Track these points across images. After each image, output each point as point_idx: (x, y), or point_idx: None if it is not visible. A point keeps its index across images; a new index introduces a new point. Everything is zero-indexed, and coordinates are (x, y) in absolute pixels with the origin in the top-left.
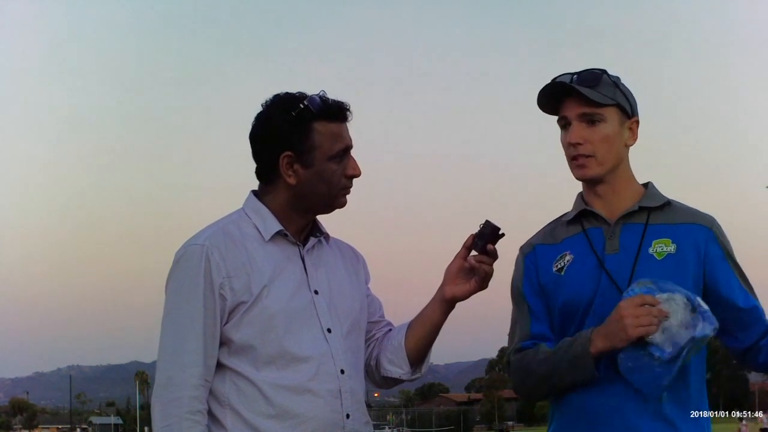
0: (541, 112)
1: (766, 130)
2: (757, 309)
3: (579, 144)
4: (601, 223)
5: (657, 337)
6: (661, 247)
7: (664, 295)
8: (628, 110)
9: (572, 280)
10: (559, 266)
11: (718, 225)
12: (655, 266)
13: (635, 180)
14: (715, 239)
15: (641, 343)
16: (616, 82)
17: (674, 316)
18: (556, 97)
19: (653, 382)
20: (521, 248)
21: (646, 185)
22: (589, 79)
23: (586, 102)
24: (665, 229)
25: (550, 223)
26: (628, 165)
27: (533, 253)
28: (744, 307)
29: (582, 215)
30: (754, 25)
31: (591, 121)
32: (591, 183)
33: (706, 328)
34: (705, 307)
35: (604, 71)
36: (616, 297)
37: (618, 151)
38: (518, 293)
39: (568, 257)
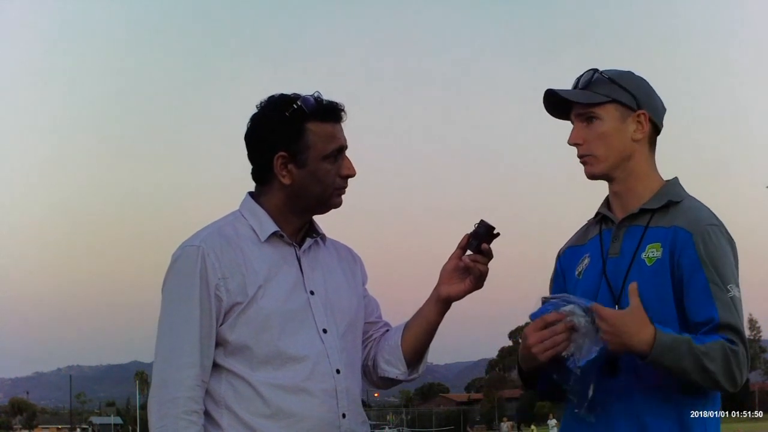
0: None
1: (766, 129)
2: (709, 324)
3: (578, 144)
4: (613, 224)
5: (568, 352)
6: (653, 252)
7: (567, 308)
8: (631, 104)
9: (583, 285)
10: (579, 270)
11: (709, 229)
12: (645, 272)
13: (655, 175)
14: (692, 245)
15: (557, 357)
16: (612, 78)
17: (579, 328)
18: (563, 102)
19: (580, 392)
20: (558, 251)
21: (670, 181)
22: (581, 81)
23: (581, 103)
24: (660, 232)
25: (589, 220)
26: (645, 160)
27: (565, 257)
28: (700, 321)
29: (602, 215)
30: (755, 24)
31: (588, 120)
32: (605, 181)
33: (597, 349)
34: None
35: (595, 70)
36: (609, 303)
37: (621, 147)
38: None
39: (586, 261)
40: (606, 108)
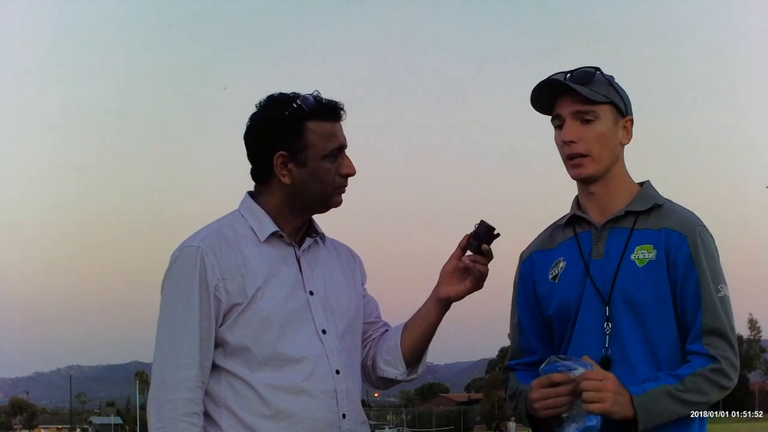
0: (536, 111)
1: (766, 129)
2: (694, 325)
3: (573, 142)
4: (591, 227)
5: (570, 415)
6: (643, 254)
7: (577, 372)
8: (622, 109)
9: (563, 288)
10: (554, 273)
11: (699, 230)
12: (636, 273)
13: (630, 179)
14: (686, 245)
15: (559, 418)
16: (609, 80)
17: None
18: (550, 96)
19: None
20: (521, 255)
21: (643, 184)
22: (583, 77)
23: (580, 100)
24: (649, 234)
25: (550, 225)
26: (623, 164)
27: (530, 261)
28: (688, 327)
29: (575, 218)
30: (754, 24)
31: (585, 119)
32: (585, 182)
33: (581, 426)
34: None
35: (597, 69)
36: (598, 305)
37: (613, 150)
38: (513, 302)
39: (561, 264)
40: (604, 109)
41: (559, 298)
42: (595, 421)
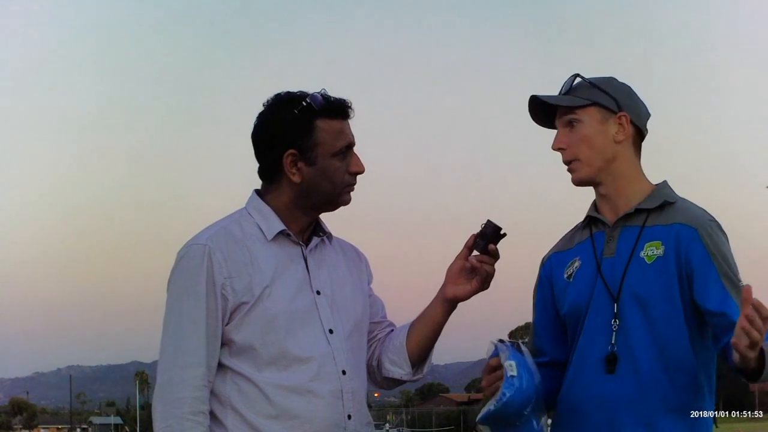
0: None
1: (766, 129)
2: (726, 316)
3: (561, 149)
4: (605, 226)
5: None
6: (652, 250)
7: (503, 356)
8: (611, 106)
9: (575, 287)
10: (568, 273)
11: (710, 224)
12: (645, 270)
13: (641, 178)
14: (699, 239)
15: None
16: (593, 83)
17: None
18: (547, 111)
19: None
20: (542, 260)
21: (660, 184)
22: (563, 87)
23: (564, 108)
24: (658, 231)
25: (572, 229)
26: (630, 163)
27: (549, 264)
28: (715, 311)
29: (591, 219)
30: (755, 23)
31: (570, 124)
32: (591, 185)
33: (494, 402)
34: (509, 373)
35: (576, 75)
36: (607, 302)
37: (604, 149)
38: (533, 303)
39: (576, 263)
40: (587, 111)
41: (571, 297)
42: (507, 396)
